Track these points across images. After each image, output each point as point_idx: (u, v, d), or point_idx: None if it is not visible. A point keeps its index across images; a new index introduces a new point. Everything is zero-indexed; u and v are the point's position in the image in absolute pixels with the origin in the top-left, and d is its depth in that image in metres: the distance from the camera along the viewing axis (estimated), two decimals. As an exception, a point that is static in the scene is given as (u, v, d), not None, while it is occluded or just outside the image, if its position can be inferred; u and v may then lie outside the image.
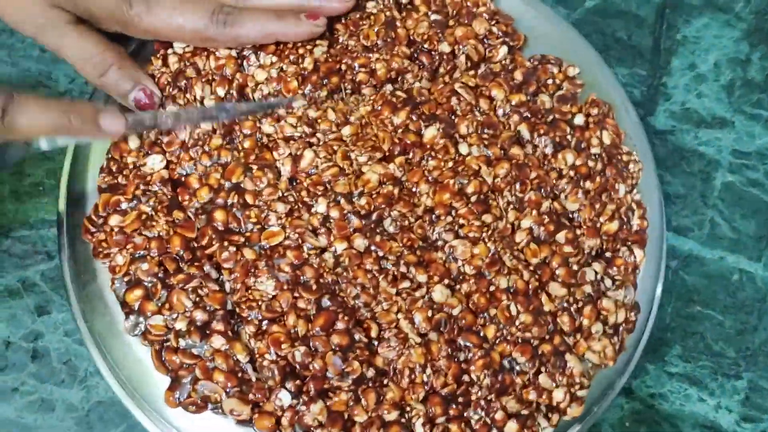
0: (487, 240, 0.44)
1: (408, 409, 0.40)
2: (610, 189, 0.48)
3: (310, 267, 0.41)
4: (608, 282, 0.45)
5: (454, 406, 0.41)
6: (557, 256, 0.44)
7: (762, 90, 0.61)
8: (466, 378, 0.41)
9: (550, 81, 0.50)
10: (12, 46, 0.54)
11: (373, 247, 0.42)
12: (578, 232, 0.46)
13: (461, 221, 0.44)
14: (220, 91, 0.45)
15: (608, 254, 0.46)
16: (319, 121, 0.45)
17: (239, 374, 0.40)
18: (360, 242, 0.42)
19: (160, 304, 0.41)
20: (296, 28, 0.45)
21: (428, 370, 0.41)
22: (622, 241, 0.47)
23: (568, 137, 0.48)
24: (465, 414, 0.41)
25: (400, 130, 0.46)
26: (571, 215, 0.47)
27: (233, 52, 0.46)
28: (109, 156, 0.45)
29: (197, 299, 0.41)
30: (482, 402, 0.41)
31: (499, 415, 0.41)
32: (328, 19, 0.48)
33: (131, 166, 0.44)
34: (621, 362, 0.45)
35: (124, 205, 0.43)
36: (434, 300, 0.42)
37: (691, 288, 0.54)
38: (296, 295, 0.41)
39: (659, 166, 0.53)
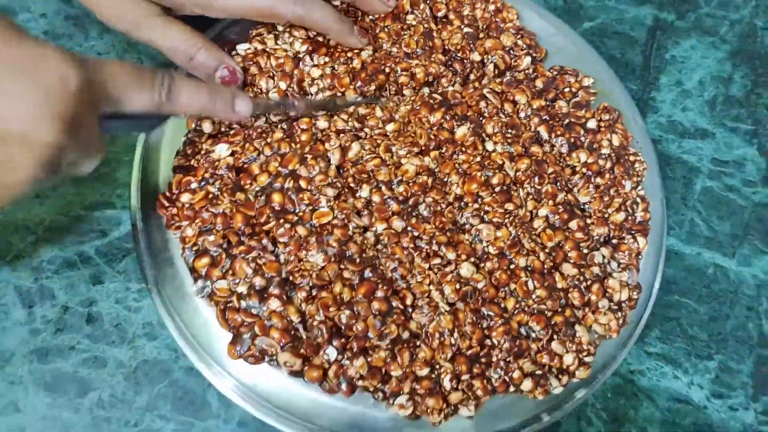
0: (508, 225, 0.48)
1: (437, 366, 0.44)
2: (617, 185, 0.51)
3: (354, 243, 0.45)
4: (614, 265, 0.49)
5: (477, 365, 0.44)
6: (570, 240, 0.48)
7: (742, 106, 0.63)
8: (488, 342, 0.45)
9: (567, 89, 0.54)
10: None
11: (409, 228, 0.46)
12: (588, 221, 0.49)
13: (486, 208, 0.48)
14: (282, 85, 0.49)
15: (615, 241, 0.49)
16: (368, 117, 0.49)
17: (292, 332, 0.43)
18: (398, 224, 0.46)
19: (224, 271, 0.44)
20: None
21: (455, 334, 0.44)
22: (627, 230, 0.50)
23: (582, 138, 0.52)
24: (487, 373, 0.44)
25: (435, 128, 0.49)
26: (582, 206, 0.50)
27: (290, 53, 0.50)
28: (187, 140, 0.48)
29: (256, 267, 0.44)
30: (502, 363, 0.44)
31: (516, 375, 0.44)
32: (371, 30, 0.52)
33: (203, 152, 0.47)
34: (622, 337, 0.48)
35: (194, 185, 0.46)
36: (461, 275, 0.46)
37: (671, 279, 0.55)
38: (342, 266, 0.44)
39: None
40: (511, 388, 0.45)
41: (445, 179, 0.48)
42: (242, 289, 0.44)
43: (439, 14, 0.55)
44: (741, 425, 0.50)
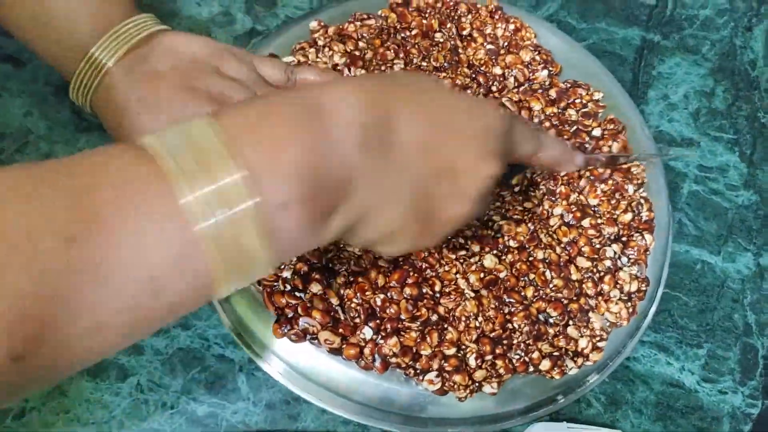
0: (527, 221, 0.51)
1: (463, 347, 0.47)
2: (620, 189, 0.54)
3: (388, 235, 0.48)
4: (624, 259, 0.52)
5: (500, 346, 0.47)
6: (583, 237, 0.52)
7: (724, 117, 0.67)
8: (509, 326, 0.48)
9: (578, 100, 0.58)
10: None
11: None
12: (599, 221, 0.53)
13: (507, 206, 0.52)
14: None
15: (624, 238, 0.53)
16: None
17: (332, 314, 0.46)
18: (428, 218, 0.50)
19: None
20: None
21: (480, 318, 0.47)
22: (635, 229, 0.53)
23: (586, 145, 0.56)
24: (508, 354, 0.47)
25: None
26: (593, 208, 0.53)
27: (330, 65, 0.54)
28: None
29: (300, 255, 0.46)
30: (522, 345, 0.48)
31: (535, 356, 0.48)
32: (403, 46, 0.56)
33: None
34: (631, 326, 0.51)
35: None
36: (485, 266, 0.49)
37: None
38: (377, 256, 0.48)
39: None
40: (531, 368, 0.48)
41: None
42: (287, 274, 0.47)
43: (464, 32, 0.59)
44: (730, 407, 0.54)
